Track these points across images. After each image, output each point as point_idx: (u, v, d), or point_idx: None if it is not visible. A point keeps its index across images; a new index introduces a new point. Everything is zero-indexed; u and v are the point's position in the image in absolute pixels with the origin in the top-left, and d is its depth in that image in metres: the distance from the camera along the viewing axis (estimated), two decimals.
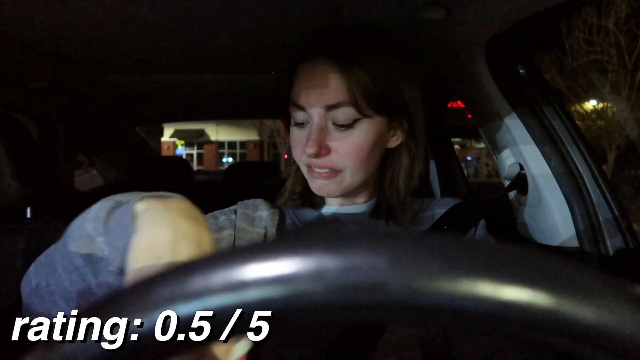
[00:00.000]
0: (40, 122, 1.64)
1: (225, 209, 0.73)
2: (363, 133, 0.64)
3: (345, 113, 0.62)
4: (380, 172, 0.72)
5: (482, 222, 0.75)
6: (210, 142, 22.72)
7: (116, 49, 1.05)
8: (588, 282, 0.16)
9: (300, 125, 0.67)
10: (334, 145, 0.64)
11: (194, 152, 22.68)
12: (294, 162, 0.71)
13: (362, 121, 0.64)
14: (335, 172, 0.65)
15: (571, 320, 0.16)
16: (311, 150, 0.62)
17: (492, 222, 0.79)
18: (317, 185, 0.67)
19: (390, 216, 0.70)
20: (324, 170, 0.66)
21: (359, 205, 0.73)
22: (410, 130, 0.70)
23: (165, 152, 18.67)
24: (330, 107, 0.62)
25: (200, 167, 20.36)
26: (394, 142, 0.70)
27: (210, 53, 1.10)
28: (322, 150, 0.63)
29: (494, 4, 0.75)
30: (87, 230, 0.40)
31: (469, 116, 1.22)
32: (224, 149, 22.97)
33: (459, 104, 1.58)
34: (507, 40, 0.91)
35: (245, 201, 0.77)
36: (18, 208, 1.00)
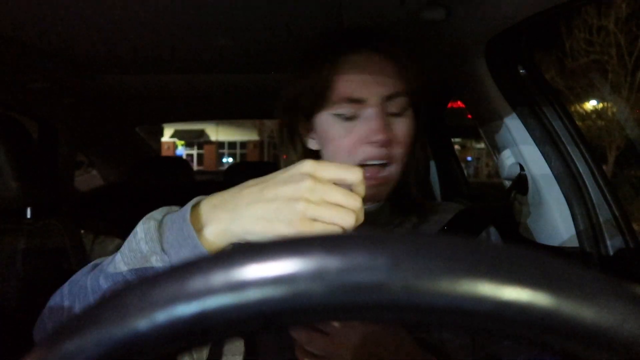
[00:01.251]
0: (40, 122, 1.64)
1: None
2: (410, 122, 0.66)
3: (399, 102, 0.64)
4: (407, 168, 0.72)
5: (494, 230, 0.74)
6: (210, 142, 22.72)
7: (116, 49, 1.05)
8: (588, 282, 0.16)
9: (349, 119, 0.65)
10: (392, 136, 0.64)
11: (194, 152, 22.68)
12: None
13: (408, 111, 0.66)
14: (383, 168, 0.65)
15: (571, 321, 0.16)
16: (381, 136, 0.62)
17: (493, 222, 0.79)
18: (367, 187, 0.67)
19: (400, 214, 0.70)
20: (378, 169, 0.65)
21: (374, 204, 0.71)
22: (420, 127, 0.71)
23: (165, 152, 18.65)
24: (388, 98, 0.64)
25: (200, 167, 20.36)
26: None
27: (210, 53, 1.10)
28: (390, 137, 0.63)
29: (494, 4, 0.75)
30: (143, 251, 0.43)
31: (469, 116, 1.22)
32: (224, 149, 22.97)
33: (459, 104, 1.58)
34: (507, 40, 0.91)
35: None
36: (18, 208, 1.00)
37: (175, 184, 2.00)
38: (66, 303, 0.49)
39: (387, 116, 0.64)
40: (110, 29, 0.91)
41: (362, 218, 0.42)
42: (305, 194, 0.40)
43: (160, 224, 0.44)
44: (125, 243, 0.45)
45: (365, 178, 0.65)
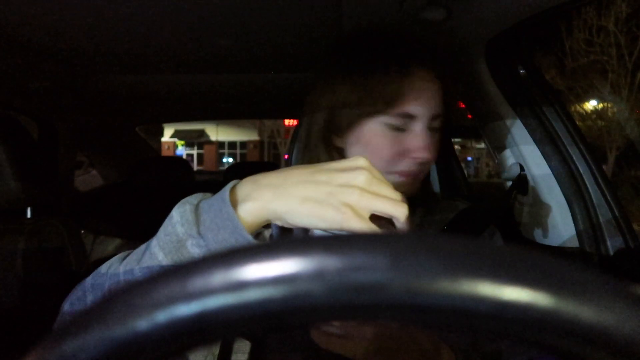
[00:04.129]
0: (40, 122, 1.64)
1: None
2: (441, 137, 0.71)
3: (440, 121, 0.69)
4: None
5: (495, 230, 0.75)
6: (210, 142, 22.73)
7: (116, 49, 1.05)
8: (588, 282, 0.16)
9: (398, 130, 0.67)
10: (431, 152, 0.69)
11: (194, 152, 22.69)
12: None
13: (439, 128, 0.70)
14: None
15: (571, 321, 0.16)
16: (427, 155, 0.66)
17: (494, 222, 0.79)
18: (401, 184, 0.69)
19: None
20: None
21: None
22: None
23: (165, 152, 18.68)
24: (434, 117, 0.68)
25: (201, 167, 20.37)
26: None
27: (210, 53, 1.10)
28: (434, 155, 0.69)
29: (494, 4, 0.76)
30: (179, 234, 0.42)
31: (469, 116, 1.22)
32: (224, 149, 22.98)
33: (459, 104, 1.58)
34: (507, 40, 0.91)
35: None
36: (18, 208, 1.00)
37: (175, 184, 2.00)
38: (89, 297, 0.48)
39: (428, 131, 0.68)
40: (111, 29, 0.91)
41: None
42: (360, 183, 0.40)
43: (196, 207, 0.43)
44: (161, 227, 0.44)
45: (403, 177, 0.68)
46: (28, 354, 0.18)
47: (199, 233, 0.41)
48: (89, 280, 0.49)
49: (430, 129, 0.68)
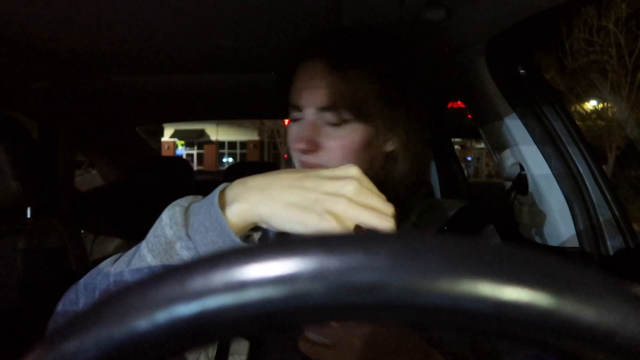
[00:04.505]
0: (40, 122, 1.64)
1: None
2: (353, 133, 0.64)
3: (338, 114, 0.64)
4: (377, 175, 0.71)
5: (492, 228, 0.74)
6: (210, 142, 22.72)
7: (116, 49, 1.05)
8: (588, 282, 0.16)
9: (296, 121, 0.68)
10: (325, 143, 0.64)
11: (194, 152, 22.69)
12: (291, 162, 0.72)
13: (354, 121, 0.64)
14: None
15: (571, 321, 0.16)
16: (300, 145, 0.63)
17: (493, 222, 0.79)
18: None
19: (405, 212, 0.70)
20: None
21: None
22: (407, 135, 0.69)
23: (165, 152, 18.67)
24: (322, 109, 0.64)
25: (201, 167, 20.37)
26: (390, 146, 0.70)
27: (210, 53, 1.10)
28: (312, 146, 0.64)
29: (494, 4, 0.75)
30: (167, 236, 0.42)
31: (469, 116, 1.22)
32: (224, 149, 22.98)
33: (459, 104, 1.59)
34: (507, 40, 0.91)
35: None
36: (18, 208, 1.00)
37: (175, 184, 2.00)
38: (82, 299, 0.48)
39: (325, 125, 0.65)
40: (110, 29, 0.91)
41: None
42: (349, 193, 0.40)
43: (186, 210, 0.43)
44: (151, 229, 0.44)
45: None
46: (28, 354, 0.18)
47: (187, 235, 0.41)
48: (81, 282, 0.50)
49: (329, 122, 0.64)
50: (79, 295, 0.48)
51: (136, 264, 0.43)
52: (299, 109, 0.65)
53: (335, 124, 0.64)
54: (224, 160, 22.34)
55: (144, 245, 0.44)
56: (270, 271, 0.17)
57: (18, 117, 1.16)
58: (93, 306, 0.19)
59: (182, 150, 22.26)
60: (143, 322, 0.17)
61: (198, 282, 0.18)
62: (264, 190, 0.41)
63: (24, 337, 0.89)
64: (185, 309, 0.17)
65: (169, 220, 0.43)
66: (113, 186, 2.23)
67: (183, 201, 0.45)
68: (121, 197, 2.09)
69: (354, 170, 0.42)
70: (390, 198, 0.69)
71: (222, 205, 0.42)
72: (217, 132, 22.55)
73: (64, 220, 1.07)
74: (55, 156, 1.67)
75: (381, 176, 0.70)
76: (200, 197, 0.46)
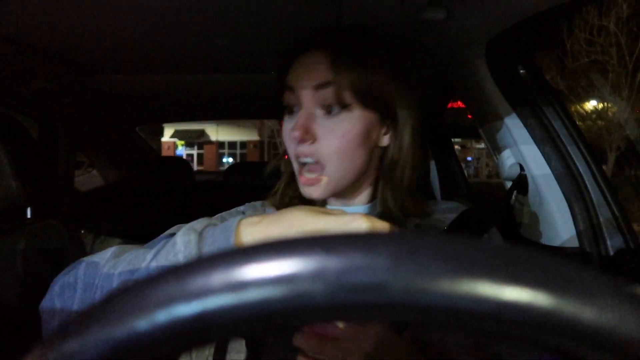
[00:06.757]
0: (40, 122, 1.64)
1: (232, 210, 0.73)
2: (350, 123, 0.63)
3: (332, 94, 0.62)
4: (377, 170, 0.71)
5: (495, 230, 0.74)
6: (210, 142, 22.72)
7: (116, 49, 1.05)
8: (588, 282, 0.16)
9: (291, 113, 0.67)
10: (321, 133, 0.64)
11: (194, 152, 22.69)
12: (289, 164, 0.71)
13: (350, 110, 0.63)
14: (320, 167, 0.64)
15: (572, 321, 0.16)
16: (295, 134, 0.62)
17: (494, 222, 0.79)
18: (303, 185, 0.67)
19: (392, 217, 0.69)
20: (308, 170, 0.65)
21: (360, 207, 0.72)
22: (399, 130, 0.68)
23: (165, 152, 18.68)
24: (318, 87, 0.63)
25: (201, 167, 20.37)
26: (387, 140, 0.69)
27: (210, 53, 1.10)
28: (308, 135, 0.63)
29: (494, 4, 0.75)
30: (179, 263, 0.43)
31: (469, 116, 1.22)
32: (224, 149, 22.97)
33: (459, 104, 1.58)
34: (507, 40, 0.91)
35: (252, 203, 0.77)
36: (18, 208, 1.00)
37: (175, 184, 2.00)
38: (79, 288, 0.48)
39: (321, 116, 0.64)
40: (110, 29, 0.91)
41: None
42: None
43: (200, 236, 0.44)
44: (163, 250, 0.44)
45: (302, 181, 0.66)
46: (28, 353, 0.18)
47: None
48: (82, 269, 0.49)
49: (324, 109, 0.64)
50: (78, 282, 0.48)
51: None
52: (292, 90, 0.65)
53: (331, 112, 0.63)
54: (224, 160, 22.34)
55: (154, 264, 0.44)
56: (270, 271, 0.17)
57: (18, 117, 1.16)
58: (93, 306, 0.19)
59: (182, 150, 22.25)
60: (143, 322, 0.17)
61: (198, 282, 0.18)
62: (280, 227, 0.42)
63: (24, 337, 0.89)
64: (185, 309, 0.17)
65: (183, 247, 0.43)
66: (113, 186, 2.23)
67: (198, 225, 0.46)
68: (121, 197, 2.09)
69: (364, 224, 0.41)
70: (392, 195, 0.69)
71: (238, 241, 0.42)
72: (217, 132, 22.54)
73: (64, 220, 1.07)
74: (55, 156, 1.67)
75: (381, 172, 0.70)
76: (215, 221, 0.47)
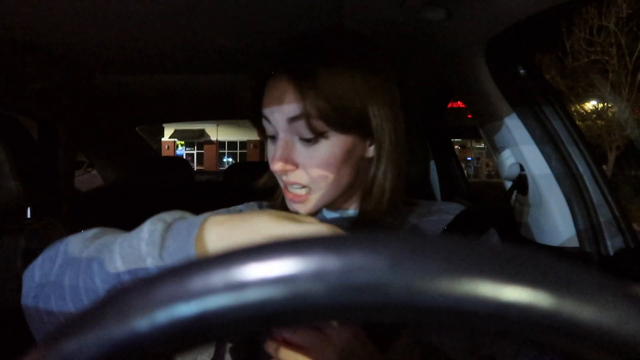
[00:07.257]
0: (40, 122, 1.64)
1: (230, 209, 0.73)
2: (328, 149, 0.62)
3: (307, 125, 0.60)
4: (363, 178, 0.70)
5: (493, 231, 0.73)
6: (210, 142, 22.72)
7: (116, 49, 1.05)
8: (588, 282, 0.16)
9: (272, 138, 0.66)
10: (302, 161, 0.63)
11: (194, 152, 22.70)
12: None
13: (327, 137, 0.62)
14: (307, 188, 0.64)
15: (572, 321, 0.16)
16: (275, 167, 0.62)
17: (493, 223, 0.79)
18: (290, 202, 0.66)
19: (377, 222, 0.68)
20: (295, 188, 0.65)
21: (352, 211, 0.71)
22: (388, 139, 0.65)
23: (165, 152, 18.68)
24: (290, 120, 0.61)
25: (201, 167, 20.37)
26: (372, 151, 0.67)
27: (210, 53, 1.10)
28: (288, 166, 0.62)
29: (494, 4, 0.75)
30: (141, 251, 0.43)
31: (469, 116, 1.22)
32: (224, 149, 22.98)
33: (459, 104, 1.58)
34: (507, 40, 0.91)
35: (251, 203, 0.77)
36: (18, 208, 1.00)
37: (175, 184, 2.00)
38: (58, 261, 0.48)
39: (299, 142, 0.62)
40: (110, 29, 0.91)
41: None
42: None
43: (167, 228, 0.44)
44: (129, 236, 0.44)
45: (288, 197, 0.65)
46: (28, 353, 0.18)
47: (160, 256, 0.42)
48: (63, 245, 0.50)
49: (302, 138, 0.62)
50: (58, 256, 0.49)
51: (106, 264, 0.44)
52: (269, 121, 0.64)
53: (309, 140, 0.61)
54: (224, 160, 22.35)
55: (117, 248, 0.44)
56: (270, 271, 0.17)
57: (18, 117, 1.16)
58: (93, 306, 0.19)
59: (182, 150, 22.26)
60: (143, 322, 0.17)
61: (198, 282, 0.18)
62: (244, 236, 0.42)
63: (24, 337, 0.89)
64: (186, 309, 0.17)
65: (147, 235, 0.43)
66: (113, 186, 2.23)
67: (168, 216, 0.46)
68: (121, 197, 2.09)
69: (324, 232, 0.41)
70: (374, 202, 0.68)
71: (201, 238, 0.42)
72: (217, 132, 22.55)
73: (64, 220, 1.07)
74: (55, 156, 1.67)
75: (368, 183, 0.68)
76: (188, 214, 0.47)
